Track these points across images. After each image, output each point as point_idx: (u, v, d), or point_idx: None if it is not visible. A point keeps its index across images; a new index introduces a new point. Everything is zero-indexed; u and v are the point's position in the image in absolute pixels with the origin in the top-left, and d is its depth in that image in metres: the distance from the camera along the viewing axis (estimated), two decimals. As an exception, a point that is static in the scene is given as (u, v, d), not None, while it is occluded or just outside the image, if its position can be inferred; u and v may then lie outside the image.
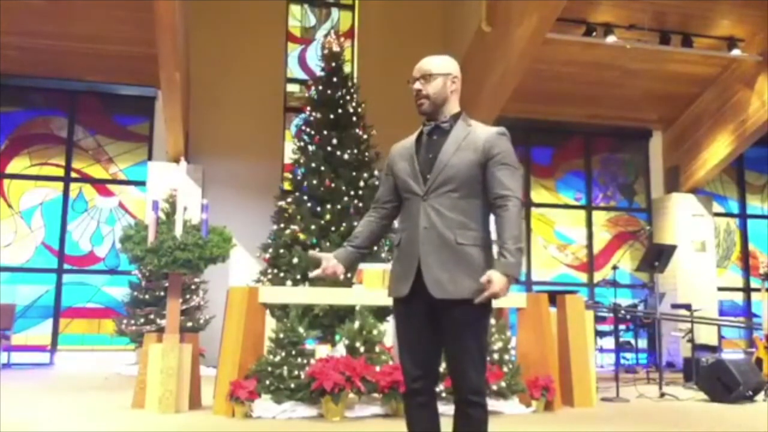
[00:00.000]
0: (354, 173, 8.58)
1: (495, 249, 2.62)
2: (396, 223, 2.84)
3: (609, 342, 9.77)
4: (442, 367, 2.88)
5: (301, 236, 8.36)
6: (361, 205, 8.35)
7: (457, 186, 2.57)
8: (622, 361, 9.84)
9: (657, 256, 7.40)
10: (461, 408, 2.57)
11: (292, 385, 5.17)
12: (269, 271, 8.42)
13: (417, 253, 2.57)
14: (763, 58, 10.30)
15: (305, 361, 5.26)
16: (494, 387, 5.41)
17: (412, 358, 2.63)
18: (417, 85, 2.66)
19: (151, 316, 8.59)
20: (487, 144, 2.59)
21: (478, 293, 2.47)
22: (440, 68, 2.66)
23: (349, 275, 5.72)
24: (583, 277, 11.82)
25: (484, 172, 2.58)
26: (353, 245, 2.81)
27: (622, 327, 9.81)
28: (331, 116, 8.89)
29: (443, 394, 5.29)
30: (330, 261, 2.74)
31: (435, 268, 2.53)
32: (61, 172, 10.24)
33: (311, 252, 2.89)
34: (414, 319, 2.62)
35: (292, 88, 11.12)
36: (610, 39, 9.82)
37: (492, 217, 2.62)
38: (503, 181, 2.56)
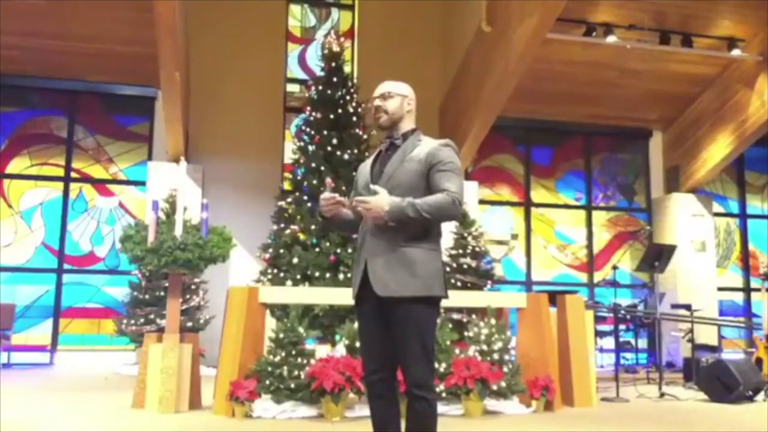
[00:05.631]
0: (354, 173, 8.56)
1: (439, 252, 2.86)
2: None
3: (609, 342, 9.78)
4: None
5: (301, 236, 8.37)
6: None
7: (402, 194, 2.76)
8: (622, 361, 9.85)
9: (657, 256, 7.39)
10: (408, 401, 2.75)
11: (292, 385, 5.17)
12: (269, 271, 8.42)
13: (364, 256, 2.82)
14: (763, 58, 10.30)
15: (305, 361, 5.26)
16: (494, 387, 5.42)
17: (368, 354, 2.88)
18: (377, 102, 2.94)
19: (151, 316, 8.58)
20: (429, 155, 2.83)
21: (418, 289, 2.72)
22: (398, 90, 2.96)
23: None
24: (583, 277, 11.82)
25: (427, 180, 2.81)
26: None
27: (622, 327, 9.81)
28: (331, 116, 8.89)
29: (444, 395, 5.32)
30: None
31: (380, 270, 2.75)
32: (61, 172, 10.24)
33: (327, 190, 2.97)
34: (367, 317, 2.87)
35: (292, 88, 11.11)
36: (610, 39, 9.82)
37: (441, 226, 2.88)
38: (442, 181, 2.78)
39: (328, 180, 3.00)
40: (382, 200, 2.68)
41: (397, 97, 2.93)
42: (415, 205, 2.68)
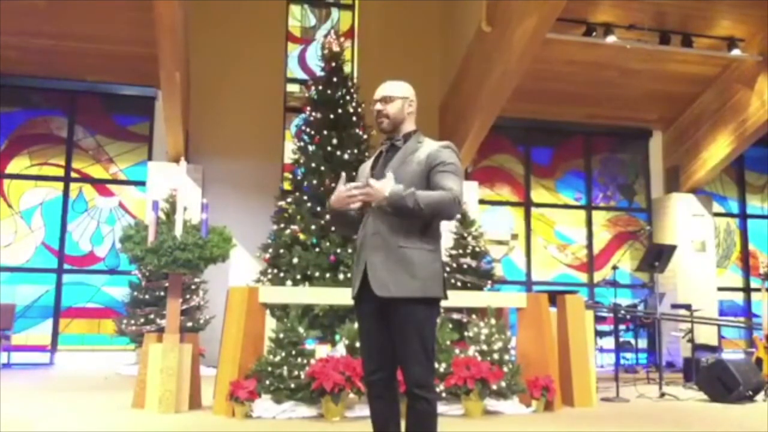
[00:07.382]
0: (354, 173, 8.54)
1: (437, 254, 2.84)
2: None
3: (609, 342, 9.77)
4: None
5: (301, 236, 8.37)
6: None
7: None
8: (622, 361, 9.84)
9: (657, 256, 7.40)
10: (408, 401, 2.76)
11: (292, 385, 5.17)
12: (269, 271, 8.42)
13: (364, 257, 2.82)
14: (763, 58, 10.30)
15: (305, 361, 5.26)
16: (494, 387, 5.42)
17: (368, 354, 2.89)
18: (378, 106, 2.93)
19: (151, 316, 8.58)
20: (430, 156, 2.84)
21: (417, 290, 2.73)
22: (399, 92, 2.94)
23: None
24: (583, 277, 11.82)
25: (428, 180, 2.81)
26: None
27: (622, 327, 9.80)
28: (331, 116, 8.89)
29: (444, 395, 5.32)
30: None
31: (379, 270, 2.76)
32: (61, 172, 10.24)
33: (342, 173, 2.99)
34: (367, 317, 2.87)
35: (292, 88, 11.12)
36: (610, 39, 9.82)
37: (440, 227, 2.88)
38: (442, 181, 2.79)
39: (343, 174, 2.98)
40: (384, 185, 2.69)
41: (398, 100, 2.93)
42: (416, 196, 2.68)
